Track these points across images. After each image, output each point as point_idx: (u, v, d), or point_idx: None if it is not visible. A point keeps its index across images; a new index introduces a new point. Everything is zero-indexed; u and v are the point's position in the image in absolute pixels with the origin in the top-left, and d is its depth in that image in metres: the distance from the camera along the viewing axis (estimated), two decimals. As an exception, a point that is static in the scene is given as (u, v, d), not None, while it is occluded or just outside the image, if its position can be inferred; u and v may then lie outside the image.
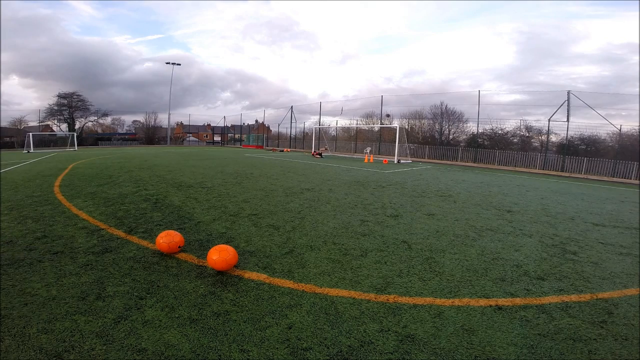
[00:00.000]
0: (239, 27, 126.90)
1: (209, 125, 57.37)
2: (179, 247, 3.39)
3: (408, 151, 22.90)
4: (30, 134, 24.96)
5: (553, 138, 20.58)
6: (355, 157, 23.16)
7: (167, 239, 3.35)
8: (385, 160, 19.39)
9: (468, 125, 26.31)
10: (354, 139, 30.50)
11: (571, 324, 2.35)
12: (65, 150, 25.06)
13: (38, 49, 73.27)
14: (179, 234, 3.49)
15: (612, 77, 52.21)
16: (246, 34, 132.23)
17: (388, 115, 28.24)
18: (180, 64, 44.45)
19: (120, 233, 4.07)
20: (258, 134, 40.97)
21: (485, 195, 8.15)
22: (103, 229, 4.23)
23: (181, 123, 54.85)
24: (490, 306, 2.56)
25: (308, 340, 2.06)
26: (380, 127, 27.45)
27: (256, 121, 49.25)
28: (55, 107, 39.23)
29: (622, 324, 2.37)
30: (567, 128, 18.81)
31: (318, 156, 21.31)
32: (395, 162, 18.85)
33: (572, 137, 19.37)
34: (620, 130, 17.81)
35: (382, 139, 27.77)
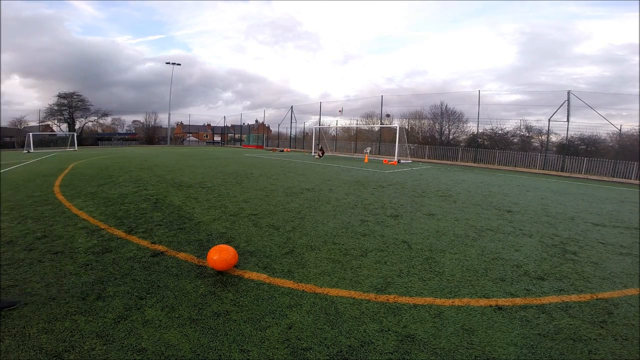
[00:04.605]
0: (241, 27, 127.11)
1: (209, 125, 57.37)
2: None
3: (408, 151, 22.89)
4: (30, 134, 24.97)
5: (553, 138, 20.58)
6: (355, 157, 23.14)
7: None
8: (385, 160, 19.38)
9: (468, 125, 26.32)
10: (354, 139, 30.51)
11: (571, 324, 2.34)
12: (65, 150, 25.05)
13: (40, 48, 73.38)
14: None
15: (613, 78, 52.32)
16: (249, 34, 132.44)
17: (388, 115, 28.22)
18: (180, 64, 44.50)
19: (121, 233, 4.07)
20: (258, 134, 40.98)
21: (485, 195, 8.15)
22: (103, 229, 4.23)
23: (181, 123, 54.83)
24: (490, 306, 2.56)
25: (308, 340, 2.06)
26: (381, 127, 27.44)
27: (256, 121, 49.25)
28: (56, 107, 39.32)
29: (622, 324, 2.37)
30: (567, 128, 18.81)
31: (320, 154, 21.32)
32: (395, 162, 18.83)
33: (572, 137, 19.37)
34: (620, 130, 17.81)
35: (382, 139, 27.77)
